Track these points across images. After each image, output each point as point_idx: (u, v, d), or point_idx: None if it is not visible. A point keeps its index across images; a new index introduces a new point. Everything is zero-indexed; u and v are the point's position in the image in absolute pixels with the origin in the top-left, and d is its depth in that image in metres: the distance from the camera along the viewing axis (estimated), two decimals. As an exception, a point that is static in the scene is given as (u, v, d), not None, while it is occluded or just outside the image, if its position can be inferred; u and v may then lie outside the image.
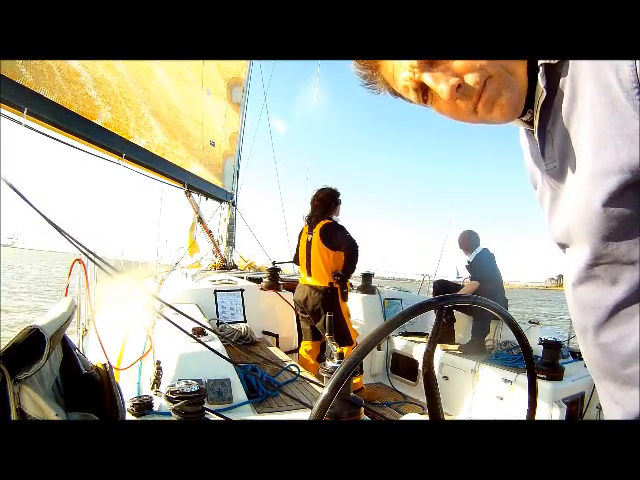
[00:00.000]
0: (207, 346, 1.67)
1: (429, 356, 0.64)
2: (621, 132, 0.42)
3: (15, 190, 1.59)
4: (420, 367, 3.14)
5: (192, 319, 1.89)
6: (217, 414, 1.36)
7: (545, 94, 0.50)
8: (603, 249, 0.47)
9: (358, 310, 3.72)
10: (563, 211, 0.54)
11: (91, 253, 1.71)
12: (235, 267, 5.18)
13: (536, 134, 0.55)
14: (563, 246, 0.57)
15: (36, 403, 0.70)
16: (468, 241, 3.32)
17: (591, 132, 0.45)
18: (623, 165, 0.42)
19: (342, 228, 2.97)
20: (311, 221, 3.05)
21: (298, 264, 3.24)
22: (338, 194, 3.07)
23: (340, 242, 2.92)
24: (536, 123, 0.54)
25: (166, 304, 1.86)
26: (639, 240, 0.44)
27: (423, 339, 3.32)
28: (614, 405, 0.53)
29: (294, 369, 2.08)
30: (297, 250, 3.21)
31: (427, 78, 0.51)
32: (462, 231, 3.39)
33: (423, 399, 3.01)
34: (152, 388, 1.64)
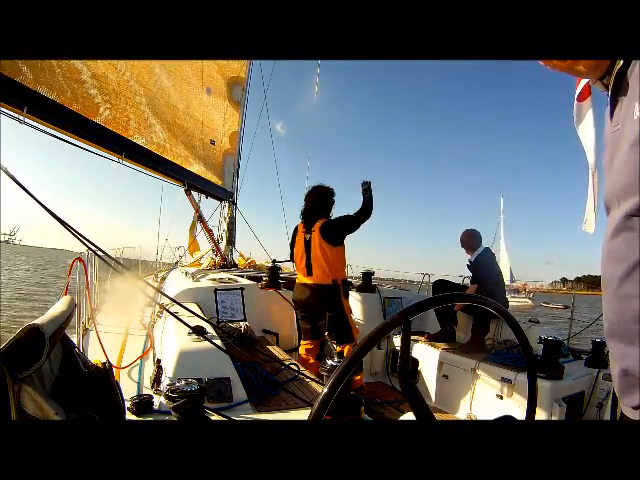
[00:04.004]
0: (210, 341, 1.67)
1: (404, 362, 0.64)
2: None
3: (20, 185, 1.58)
4: (420, 366, 3.14)
5: (195, 314, 1.89)
6: (217, 413, 1.36)
7: (622, 62, 0.56)
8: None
9: (358, 309, 3.72)
10: (614, 172, 0.58)
11: (95, 246, 1.71)
12: (235, 266, 5.18)
13: (608, 98, 0.61)
14: (608, 209, 0.61)
15: (36, 402, 0.70)
16: (471, 240, 3.31)
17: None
18: None
19: (339, 218, 2.98)
20: (308, 219, 3.03)
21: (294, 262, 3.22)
22: (334, 193, 3.06)
23: (344, 229, 2.93)
24: (610, 87, 0.60)
25: (169, 298, 1.87)
26: None
27: (423, 338, 3.32)
28: (612, 362, 0.56)
29: (294, 368, 2.08)
30: (292, 249, 3.18)
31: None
32: (465, 230, 3.38)
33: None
34: (152, 387, 1.65)
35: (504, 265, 39.91)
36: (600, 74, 0.62)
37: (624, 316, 0.53)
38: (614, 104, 0.60)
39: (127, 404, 1.33)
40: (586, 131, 3.49)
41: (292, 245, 3.16)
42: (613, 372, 0.57)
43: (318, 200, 3.01)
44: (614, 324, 0.55)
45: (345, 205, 3.10)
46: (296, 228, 3.13)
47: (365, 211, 2.96)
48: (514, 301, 33.73)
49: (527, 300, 34.19)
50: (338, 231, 2.92)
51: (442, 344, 3.18)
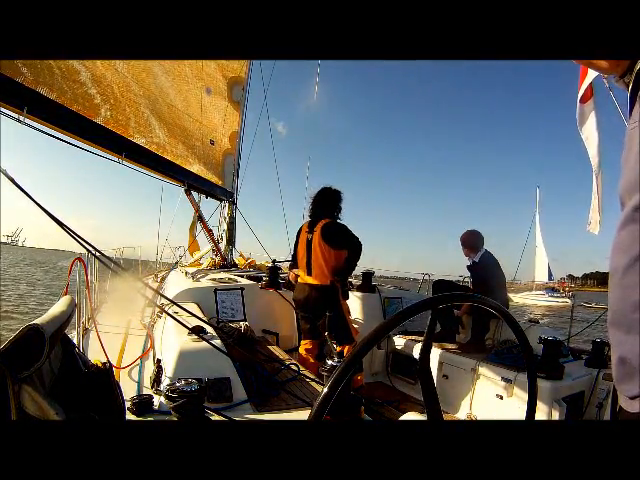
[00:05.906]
0: (209, 342, 1.67)
1: (425, 354, 0.64)
2: None
3: (18, 186, 1.59)
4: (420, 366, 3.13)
5: (194, 314, 1.89)
6: (217, 413, 1.36)
7: None
8: None
9: (358, 309, 3.72)
10: (628, 167, 0.59)
11: (93, 248, 1.71)
12: (235, 266, 5.18)
13: (628, 95, 0.62)
14: (623, 205, 0.61)
15: (36, 402, 0.70)
16: (474, 241, 3.29)
17: None
18: None
19: (344, 227, 2.97)
20: (313, 219, 3.04)
21: (297, 262, 3.23)
22: (340, 194, 3.06)
23: (343, 241, 2.92)
24: (630, 86, 0.61)
25: (169, 299, 1.87)
26: None
27: (423, 338, 3.30)
28: (612, 351, 0.58)
29: (294, 368, 2.08)
30: (295, 248, 3.20)
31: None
32: (466, 230, 3.36)
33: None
34: (152, 387, 1.65)
35: (542, 262, 37.37)
36: (621, 72, 0.62)
37: (625, 304, 0.54)
38: (633, 102, 0.61)
39: (127, 404, 1.33)
40: (589, 133, 3.46)
41: (296, 244, 3.17)
42: (612, 361, 0.59)
43: (322, 201, 3.03)
44: (615, 312, 0.57)
45: (345, 205, 3.10)
46: (301, 227, 3.15)
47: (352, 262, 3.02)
48: (552, 300, 32.64)
49: (566, 300, 32.72)
50: (337, 237, 2.93)
51: (442, 344, 3.17)
